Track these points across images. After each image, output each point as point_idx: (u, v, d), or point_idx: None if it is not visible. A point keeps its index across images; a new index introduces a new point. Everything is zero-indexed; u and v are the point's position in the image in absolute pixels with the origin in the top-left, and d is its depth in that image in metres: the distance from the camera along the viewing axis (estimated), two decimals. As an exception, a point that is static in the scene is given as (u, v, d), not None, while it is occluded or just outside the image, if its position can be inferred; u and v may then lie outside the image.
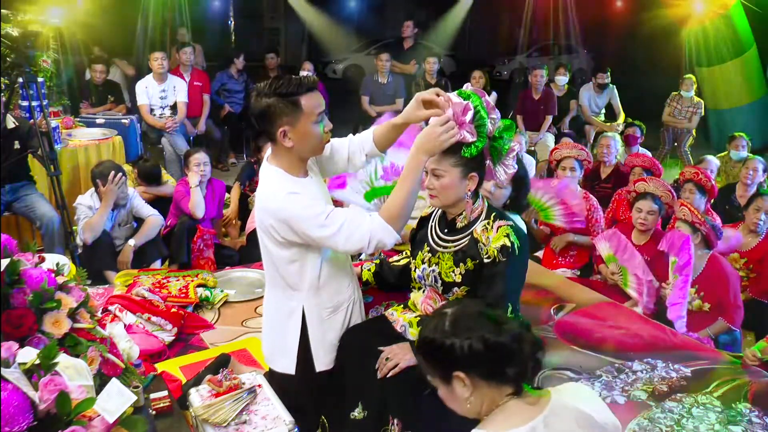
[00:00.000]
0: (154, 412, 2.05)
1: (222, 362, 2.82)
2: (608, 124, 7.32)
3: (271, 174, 2.13)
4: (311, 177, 2.20)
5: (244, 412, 2.17)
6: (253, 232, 4.47)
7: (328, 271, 2.21)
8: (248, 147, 7.23)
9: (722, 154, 6.05)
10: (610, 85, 7.39)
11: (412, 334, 2.22)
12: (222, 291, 3.92)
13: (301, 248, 2.12)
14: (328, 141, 2.18)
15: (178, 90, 6.20)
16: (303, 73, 7.34)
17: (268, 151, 2.22)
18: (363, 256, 3.24)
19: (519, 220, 2.63)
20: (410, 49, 8.17)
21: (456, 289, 2.16)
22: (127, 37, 8.05)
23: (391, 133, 2.29)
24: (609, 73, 7.31)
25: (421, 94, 2.11)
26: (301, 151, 2.10)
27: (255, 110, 2.06)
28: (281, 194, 2.05)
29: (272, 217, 2.08)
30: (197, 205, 4.43)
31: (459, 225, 2.18)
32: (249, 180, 5.28)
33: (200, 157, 4.54)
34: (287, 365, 2.27)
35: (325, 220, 2.01)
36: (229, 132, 7.40)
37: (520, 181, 2.79)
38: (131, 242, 4.15)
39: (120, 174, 4.06)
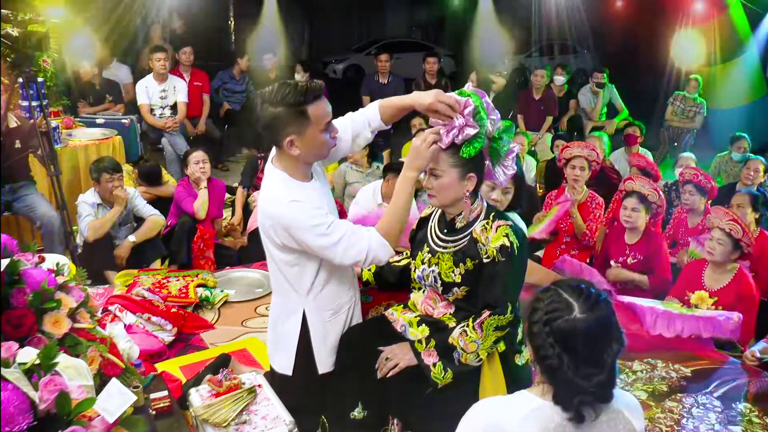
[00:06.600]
0: (154, 412, 2.05)
1: (222, 362, 2.82)
2: (606, 121, 7.32)
3: (275, 177, 2.12)
4: (315, 180, 2.19)
5: (244, 412, 2.17)
6: (254, 232, 4.47)
7: (329, 274, 2.20)
8: (248, 147, 7.20)
9: (723, 153, 6.06)
10: (609, 84, 7.39)
11: (412, 334, 2.22)
12: (222, 291, 3.93)
13: (301, 252, 2.12)
14: (335, 146, 2.17)
15: (178, 90, 6.20)
16: (297, 77, 7.32)
17: (272, 152, 2.21)
18: None
19: (518, 219, 2.63)
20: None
21: (456, 289, 2.15)
22: (128, 37, 8.02)
23: (395, 112, 2.27)
24: (606, 73, 7.30)
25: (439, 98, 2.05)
26: (307, 157, 2.11)
27: (261, 120, 2.04)
28: (284, 201, 2.05)
29: (273, 222, 2.08)
30: (202, 206, 4.44)
31: (458, 225, 2.18)
32: (252, 175, 5.18)
33: (199, 155, 4.56)
34: (285, 365, 2.27)
35: (326, 230, 2.02)
36: (229, 129, 7.38)
37: (517, 180, 2.80)
38: (131, 238, 4.16)
39: (119, 174, 4.08)
